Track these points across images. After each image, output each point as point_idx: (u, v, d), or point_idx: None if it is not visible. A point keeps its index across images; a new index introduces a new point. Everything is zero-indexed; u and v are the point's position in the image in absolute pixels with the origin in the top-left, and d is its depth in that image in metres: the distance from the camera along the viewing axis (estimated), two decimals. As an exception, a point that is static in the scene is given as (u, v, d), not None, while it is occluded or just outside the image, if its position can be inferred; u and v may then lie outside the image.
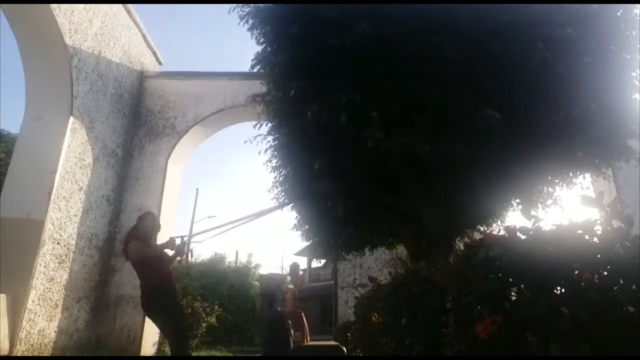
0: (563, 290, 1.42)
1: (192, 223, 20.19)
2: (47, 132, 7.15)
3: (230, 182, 68.87)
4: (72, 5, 7.43)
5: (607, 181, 5.79)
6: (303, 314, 5.73)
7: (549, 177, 4.10)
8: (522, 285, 1.54)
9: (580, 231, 1.45)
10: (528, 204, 4.48)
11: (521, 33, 2.87)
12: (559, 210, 4.66)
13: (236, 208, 69.22)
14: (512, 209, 4.93)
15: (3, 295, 6.06)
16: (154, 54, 10.89)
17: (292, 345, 5.50)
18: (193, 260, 10.28)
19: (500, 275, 1.60)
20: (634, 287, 1.23)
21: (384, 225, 5.17)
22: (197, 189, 24.62)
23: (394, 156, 3.34)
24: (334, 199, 3.97)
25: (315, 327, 15.23)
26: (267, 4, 3.41)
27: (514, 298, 1.57)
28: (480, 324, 1.49)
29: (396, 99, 3.01)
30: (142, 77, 10.25)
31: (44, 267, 6.72)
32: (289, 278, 8.06)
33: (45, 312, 6.78)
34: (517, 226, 1.65)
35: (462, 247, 2.14)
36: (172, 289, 4.08)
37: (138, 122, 9.95)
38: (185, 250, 4.48)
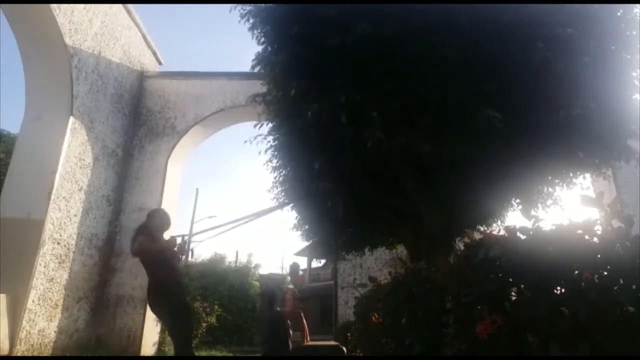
0: (563, 290, 1.42)
1: (192, 223, 20.17)
2: (47, 132, 7.15)
3: (230, 182, 68.93)
4: (72, 5, 7.44)
5: (607, 181, 5.79)
6: (303, 314, 5.73)
7: (549, 177, 4.10)
8: (522, 285, 1.54)
9: (580, 231, 1.45)
10: (528, 204, 4.48)
11: (521, 33, 2.87)
12: (559, 210, 4.66)
13: (236, 208, 69.26)
14: (512, 209, 4.93)
15: (3, 295, 6.06)
16: (154, 54, 10.90)
17: (291, 345, 5.49)
18: (193, 260, 10.28)
19: (500, 275, 1.60)
20: (634, 287, 1.23)
21: (384, 225, 5.17)
22: (197, 189, 24.60)
23: (394, 156, 3.34)
24: (334, 199, 3.97)
25: (315, 327, 15.22)
26: (268, 4, 3.41)
27: (514, 298, 1.57)
28: (480, 324, 1.49)
29: (396, 99, 3.01)
30: (142, 77, 10.25)
31: (44, 267, 6.72)
32: (289, 278, 8.05)
33: (45, 312, 6.78)
34: (517, 226, 1.65)
35: (462, 247, 2.13)
36: (180, 287, 4.07)
37: (138, 122, 9.95)
38: (186, 249, 4.46)
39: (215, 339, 12.54)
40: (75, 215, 7.58)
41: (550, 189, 4.47)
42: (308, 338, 5.58)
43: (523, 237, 1.61)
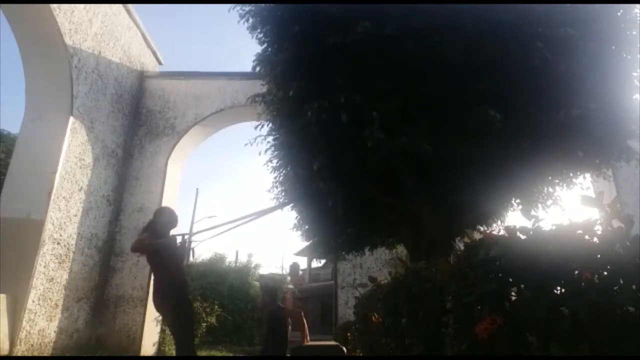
0: (563, 290, 1.42)
1: (192, 223, 20.17)
2: (47, 132, 7.15)
3: (230, 182, 68.92)
4: (72, 5, 7.44)
5: (607, 181, 5.79)
6: (302, 314, 5.72)
7: (549, 177, 4.11)
8: (522, 285, 1.54)
9: (580, 231, 1.45)
10: (528, 204, 4.48)
11: (521, 33, 2.88)
12: (559, 210, 4.66)
13: (236, 208, 69.26)
14: (512, 209, 4.93)
15: (3, 295, 6.06)
16: (154, 54, 10.90)
17: (287, 340, 5.49)
18: (193, 260, 10.27)
19: (500, 275, 1.60)
20: (634, 287, 1.23)
21: (384, 225, 5.17)
22: (197, 189, 24.61)
23: (394, 156, 3.34)
24: (334, 199, 3.97)
25: (315, 327, 15.22)
26: (269, 4, 3.41)
27: (514, 298, 1.57)
28: (480, 324, 1.49)
29: (396, 99, 3.01)
30: (142, 77, 10.25)
31: (44, 267, 6.72)
32: (288, 278, 8.06)
33: (45, 312, 6.78)
34: (517, 226, 1.65)
35: (462, 247, 2.13)
36: (185, 286, 4.07)
37: (138, 122, 9.96)
38: (187, 249, 4.46)
39: (215, 339, 12.54)
40: (75, 215, 7.58)
41: (550, 189, 4.48)
42: (308, 338, 5.58)
43: (523, 237, 1.60)
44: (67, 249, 7.35)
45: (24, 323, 6.31)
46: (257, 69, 3.64)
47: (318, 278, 24.66)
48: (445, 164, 3.49)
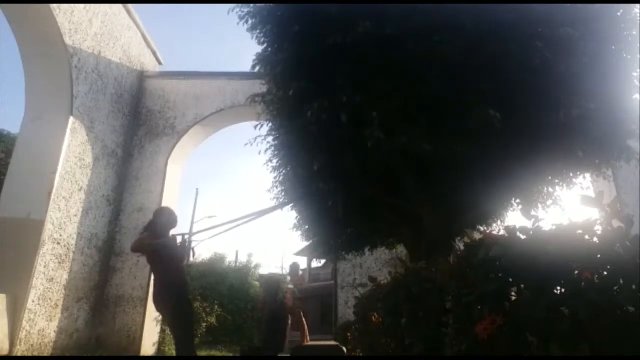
0: (563, 290, 1.42)
1: (192, 223, 20.18)
2: (47, 132, 7.15)
3: (230, 182, 68.90)
4: (72, 5, 7.43)
5: (607, 181, 5.78)
6: (302, 314, 5.72)
7: (549, 177, 4.10)
8: (522, 285, 1.54)
9: (580, 231, 1.45)
10: (528, 204, 4.48)
11: (521, 33, 2.88)
12: (559, 210, 4.66)
13: (236, 208, 69.24)
14: (512, 209, 4.93)
15: (3, 295, 6.06)
16: (154, 53, 10.90)
17: (287, 337, 5.47)
18: (194, 260, 10.28)
19: (500, 275, 1.60)
20: (634, 287, 1.23)
21: (384, 225, 5.17)
22: (197, 189, 24.63)
23: (394, 156, 3.34)
24: (334, 199, 3.97)
25: (315, 327, 15.21)
26: (269, 4, 3.41)
27: (514, 298, 1.57)
28: (480, 324, 1.49)
29: (396, 99, 3.01)
30: (142, 77, 10.25)
31: (44, 267, 6.72)
32: (288, 278, 8.05)
33: (45, 312, 6.78)
34: (517, 226, 1.65)
35: (462, 247, 2.13)
36: (185, 286, 4.08)
37: (138, 122, 9.96)
38: (187, 249, 4.46)
39: (215, 339, 12.54)
40: (75, 215, 7.58)
41: (550, 189, 4.47)
42: (308, 338, 5.58)
43: (523, 237, 1.60)
44: (67, 249, 7.35)
45: (24, 323, 6.31)
46: (257, 69, 3.64)
47: (318, 278, 24.66)
48: (445, 164, 3.49)
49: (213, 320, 11.68)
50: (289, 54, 3.22)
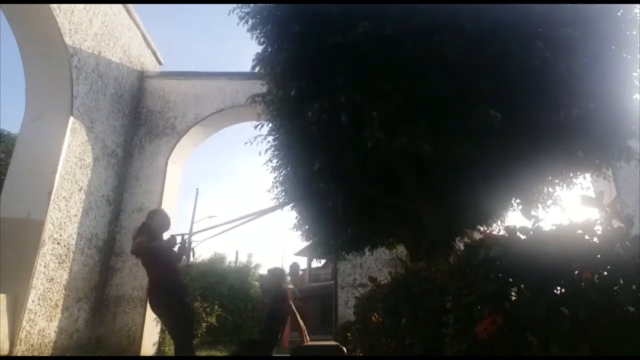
0: (563, 290, 1.42)
1: (192, 223, 20.18)
2: (47, 132, 7.16)
3: (230, 182, 68.91)
4: (72, 5, 7.44)
5: (607, 181, 5.78)
6: (299, 313, 5.69)
7: (549, 177, 4.10)
8: (522, 285, 1.54)
9: (580, 231, 1.45)
10: (528, 204, 4.48)
11: (521, 33, 2.88)
12: (559, 210, 4.66)
13: (236, 208, 69.25)
14: (512, 209, 4.93)
15: (3, 295, 6.06)
16: (154, 53, 10.90)
17: (286, 324, 5.43)
18: (194, 260, 10.28)
19: (500, 275, 1.60)
20: (634, 287, 1.23)
21: (384, 225, 5.17)
22: (197, 189, 24.65)
23: (394, 156, 3.34)
24: (334, 199, 3.96)
25: (315, 327, 15.21)
26: (269, 4, 3.41)
27: (514, 298, 1.57)
28: (480, 324, 1.49)
29: (396, 99, 3.01)
30: (142, 77, 10.26)
31: (44, 267, 6.72)
32: (288, 278, 8.05)
33: (45, 312, 6.78)
34: (517, 226, 1.65)
35: (462, 247, 2.13)
36: (181, 287, 4.08)
37: (138, 122, 9.96)
38: (187, 249, 4.46)
39: (215, 339, 12.54)
40: (75, 215, 7.58)
41: (550, 189, 4.47)
42: (307, 338, 5.57)
43: (523, 237, 1.60)
44: (67, 249, 7.35)
45: (24, 323, 6.31)
46: (257, 69, 3.64)
47: (318, 278, 24.65)
48: (445, 164, 3.49)
49: (213, 320, 11.69)
50: (289, 54, 3.21)
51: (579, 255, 1.38)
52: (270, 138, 4.33)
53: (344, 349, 4.87)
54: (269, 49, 3.48)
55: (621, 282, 1.28)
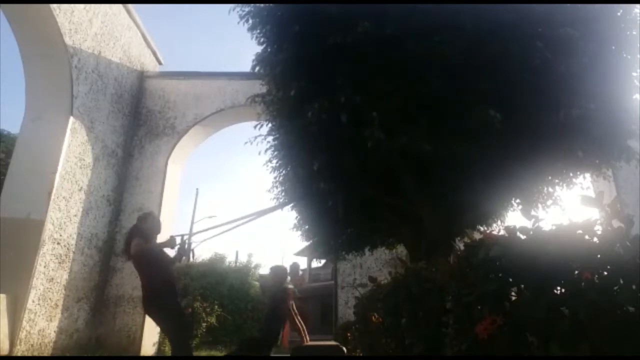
0: (563, 290, 1.41)
1: (192, 223, 20.19)
2: (47, 132, 7.16)
3: (230, 182, 68.90)
4: (72, 5, 7.44)
5: (607, 181, 5.78)
6: (298, 313, 5.68)
7: (549, 177, 4.10)
8: (522, 285, 1.54)
9: (580, 231, 1.45)
10: (528, 204, 4.48)
11: (521, 33, 2.88)
12: (559, 210, 4.66)
13: (236, 208, 69.26)
14: (512, 209, 4.93)
15: (3, 295, 6.06)
16: (154, 53, 10.90)
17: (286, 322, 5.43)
18: (193, 260, 10.27)
19: (500, 275, 1.60)
20: (634, 287, 1.23)
21: (384, 225, 5.17)
22: (197, 189, 24.67)
23: (394, 156, 3.34)
24: (334, 199, 3.96)
25: (315, 327, 15.20)
26: (268, 4, 3.41)
27: (514, 298, 1.57)
28: (480, 324, 1.49)
29: (396, 99, 3.01)
30: (142, 77, 10.26)
31: (44, 267, 6.72)
32: (289, 278, 8.04)
33: (45, 312, 6.78)
34: (517, 226, 1.65)
35: (462, 247, 2.13)
36: (174, 290, 4.08)
37: (138, 122, 9.96)
38: (187, 249, 4.46)
39: (215, 339, 12.53)
40: (75, 215, 7.58)
41: (550, 189, 4.47)
42: (307, 338, 5.57)
43: (523, 237, 1.60)
44: (67, 249, 7.35)
45: (24, 323, 6.31)
46: (257, 69, 3.64)
47: (318, 278, 24.65)
48: (445, 164, 3.49)
49: (213, 320, 11.67)
50: (289, 54, 3.21)
51: (579, 255, 1.38)
52: (270, 138, 4.33)
53: (344, 349, 4.87)
54: (269, 49, 3.48)
55: (621, 282, 1.28)
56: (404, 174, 3.90)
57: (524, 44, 2.85)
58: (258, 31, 3.52)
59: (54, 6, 6.97)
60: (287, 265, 7.50)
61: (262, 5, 3.46)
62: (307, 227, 5.65)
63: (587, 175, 4.15)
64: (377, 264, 9.26)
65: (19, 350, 6.20)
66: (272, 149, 4.38)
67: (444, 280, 2.05)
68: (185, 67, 71.49)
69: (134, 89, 9.88)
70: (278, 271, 5.81)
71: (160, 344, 9.01)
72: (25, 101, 7.29)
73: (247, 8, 3.56)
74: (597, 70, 3.07)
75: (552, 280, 1.42)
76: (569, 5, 3.08)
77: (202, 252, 24.74)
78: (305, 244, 7.07)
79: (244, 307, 14.67)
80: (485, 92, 2.96)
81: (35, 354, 6.53)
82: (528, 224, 1.66)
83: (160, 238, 4.34)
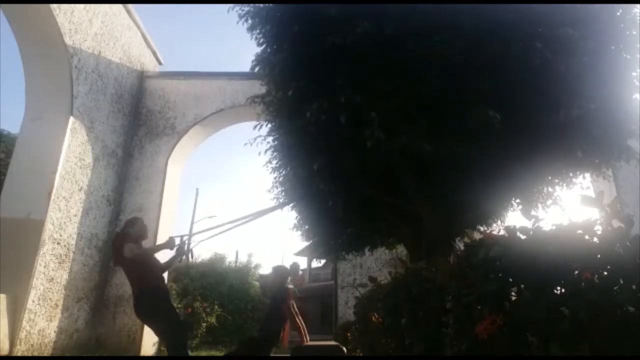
0: (563, 290, 1.41)
1: (192, 223, 20.19)
2: (47, 132, 7.15)
3: (230, 182, 68.87)
4: (72, 5, 7.43)
5: (607, 181, 5.79)
6: (297, 312, 5.68)
7: (549, 177, 4.10)
8: (522, 285, 1.54)
9: (580, 231, 1.45)
10: (528, 204, 4.48)
11: (521, 33, 2.88)
12: (559, 210, 4.66)
13: (236, 208, 69.24)
14: (512, 209, 4.93)
15: (3, 295, 6.06)
16: (154, 53, 10.90)
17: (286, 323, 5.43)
18: (193, 260, 10.25)
19: (500, 275, 1.60)
20: (634, 287, 1.23)
21: (384, 225, 5.17)
22: (197, 189, 24.67)
23: (394, 156, 3.34)
24: (334, 199, 3.96)
25: (315, 327, 15.21)
26: (268, 4, 3.41)
27: (514, 298, 1.57)
28: (480, 324, 1.49)
29: (396, 99, 3.01)
30: (142, 77, 10.25)
31: (44, 267, 6.72)
32: (289, 278, 8.03)
33: (45, 312, 6.78)
34: (517, 226, 1.65)
35: (462, 247, 2.13)
36: (166, 293, 4.09)
37: (138, 122, 9.95)
38: (186, 250, 4.46)
39: (215, 339, 12.53)
40: (75, 215, 7.58)
41: (550, 189, 4.47)
42: (307, 338, 5.57)
43: (523, 237, 1.60)
44: (67, 249, 7.35)
45: (24, 323, 6.31)
46: (257, 69, 3.64)
47: (318, 278, 24.64)
48: (445, 164, 3.49)
49: (213, 320, 11.68)
50: (288, 54, 3.21)
51: (579, 255, 1.38)
52: (270, 139, 4.33)
53: (344, 349, 4.87)
54: (268, 50, 3.48)
55: (621, 282, 1.28)
56: (404, 174, 3.90)
57: (524, 44, 2.85)
58: (257, 31, 3.52)
59: (54, 6, 6.97)
60: (287, 266, 7.50)
61: (261, 5, 3.46)
62: (307, 227, 5.65)
63: (587, 175, 4.15)
64: (377, 264, 9.27)
65: (19, 350, 6.20)
66: (272, 149, 4.38)
67: (444, 280, 2.05)
68: (185, 67, 71.50)
69: (134, 89, 9.88)
70: (279, 271, 5.81)
71: (160, 344, 9.01)
72: (25, 101, 7.29)
73: (246, 8, 3.56)
74: (597, 70, 3.07)
75: (552, 280, 1.42)
76: (569, 5, 3.08)
77: (201, 252, 24.74)
78: (305, 244, 7.07)
79: (244, 307, 14.67)
80: (485, 92, 2.96)
81: (35, 354, 6.53)
82: (528, 224, 1.66)
83: (159, 239, 4.34)
